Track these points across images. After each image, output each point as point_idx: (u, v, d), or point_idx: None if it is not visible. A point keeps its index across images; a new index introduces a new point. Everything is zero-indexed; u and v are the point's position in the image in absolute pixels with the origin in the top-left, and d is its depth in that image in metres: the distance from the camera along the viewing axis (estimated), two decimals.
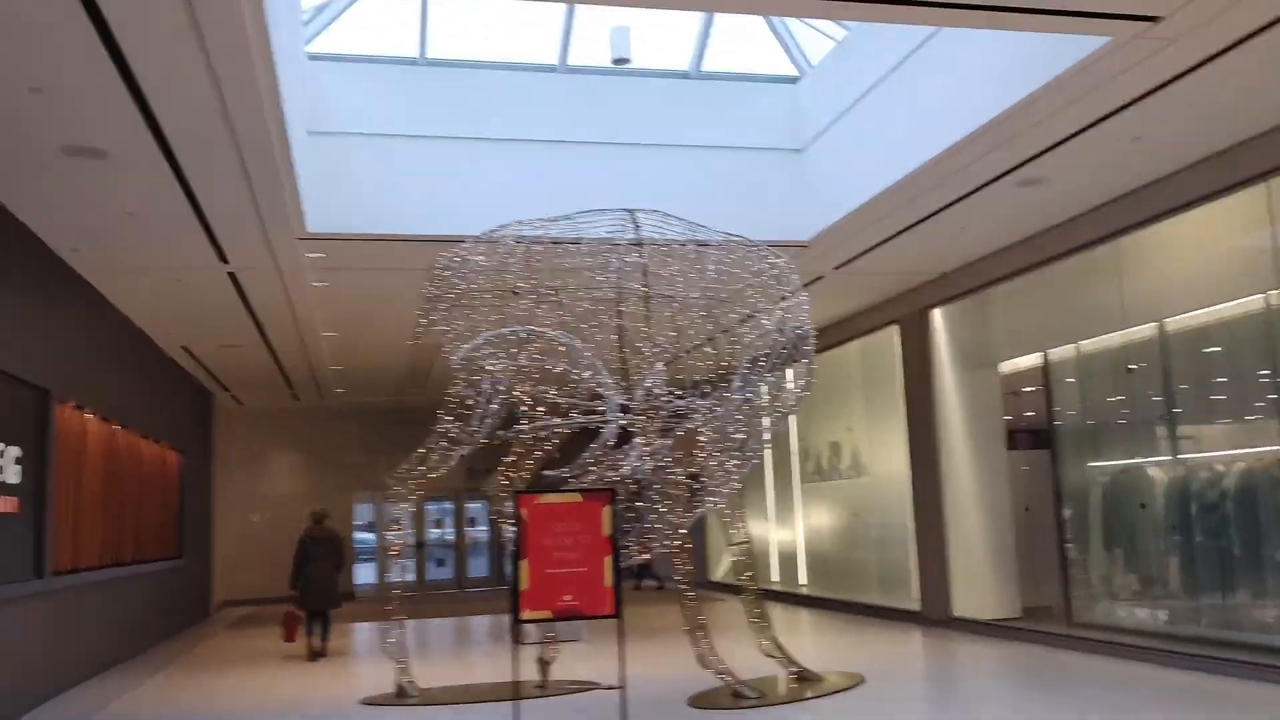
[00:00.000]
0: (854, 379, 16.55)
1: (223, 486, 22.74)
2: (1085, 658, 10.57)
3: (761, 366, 8.55)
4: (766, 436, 8.96)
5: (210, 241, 10.44)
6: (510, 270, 9.14)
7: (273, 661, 12.97)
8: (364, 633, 16.01)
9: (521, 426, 8.10)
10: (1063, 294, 12.09)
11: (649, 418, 7.92)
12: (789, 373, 8.83)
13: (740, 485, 9.14)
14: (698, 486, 8.47)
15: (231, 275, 11.73)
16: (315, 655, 12.88)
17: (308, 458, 24.79)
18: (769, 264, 9.07)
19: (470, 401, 8.94)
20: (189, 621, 18.21)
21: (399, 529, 9.73)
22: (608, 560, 6.32)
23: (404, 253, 11.02)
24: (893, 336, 15.13)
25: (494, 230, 9.25)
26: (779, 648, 9.52)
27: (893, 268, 12.90)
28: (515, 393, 9.19)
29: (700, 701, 8.64)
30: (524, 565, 6.25)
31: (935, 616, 13.59)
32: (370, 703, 9.42)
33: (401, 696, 9.48)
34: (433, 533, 27.36)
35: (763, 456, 9.31)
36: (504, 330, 8.62)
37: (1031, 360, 13.37)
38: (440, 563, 26.99)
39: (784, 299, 8.92)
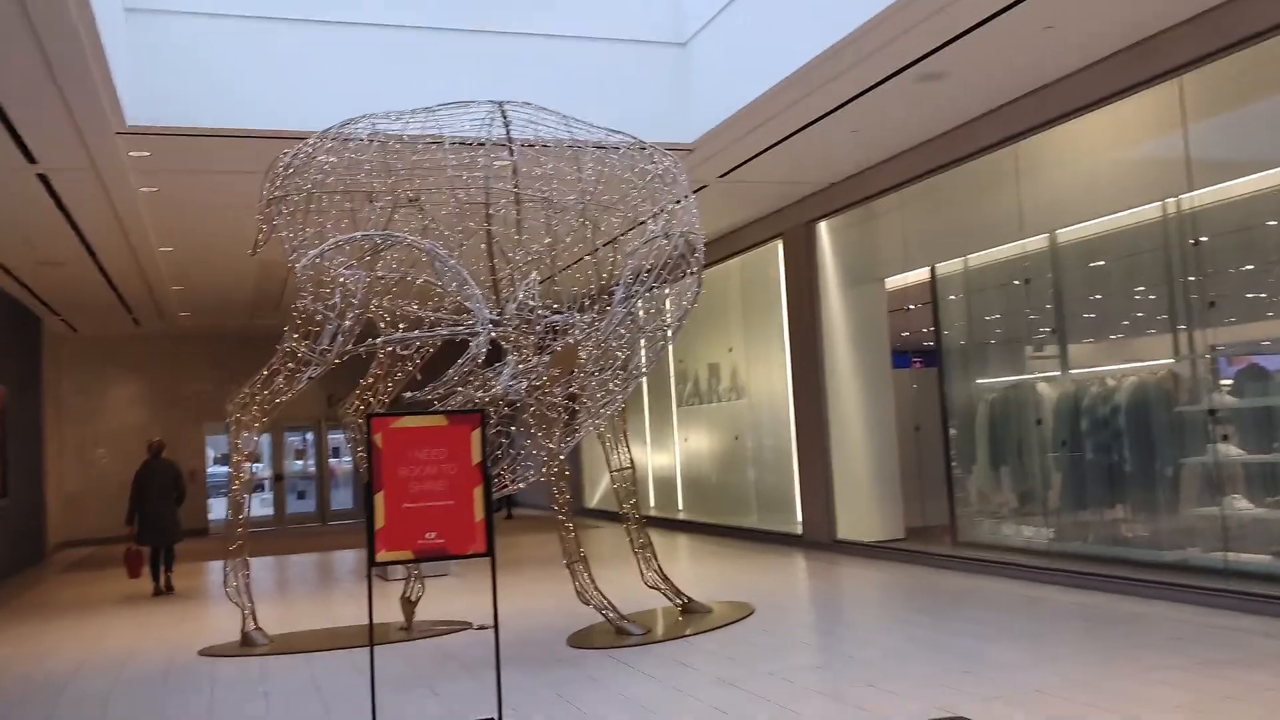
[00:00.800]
0: (734, 298, 15.95)
1: (56, 421, 20.98)
2: (972, 578, 10.29)
3: (647, 278, 7.76)
4: (650, 354, 8.21)
5: (12, 137, 9.04)
6: (363, 170, 8.09)
7: (107, 607, 11.81)
8: (216, 573, 14.85)
9: (377, 341, 7.08)
10: (952, 206, 11.61)
11: (522, 333, 7.06)
12: (675, 285, 8.05)
13: (621, 406, 8.40)
14: (576, 408, 7.67)
15: (42, 178, 10.29)
16: (160, 592, 12.65)
17: (153, 388, 23.13)
18: (654, 164, 8.23)
19: (319, 317, 7.93)
20: (17, 566, 16.70)
21: (241, 460, 8.67)
22: (478, 492, 5.50)
23: (245, 151, 9.78)
24: (776, 252, 14.53)
25: (345, 124, 8.17)
26: (664, 579, 8.89)
27: (780, 176, 12.21)
28: (371, 307, 8.22)
29: (581, 640, 7.95)
30: (379, 499, 5.39)
31: (818, 540, 13.22)
32: (210, 653, 8.45)
33: (248, 645, 8.54)
34: (296, 465, 26.11)
35: (643, 377, 8.57)
36: (356, 235, 7.60)
37: (919, 276, 12.97)
38: (301, 495, 25.78)
39: (673, 203, 8.11)
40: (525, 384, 7.00)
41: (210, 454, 24.57)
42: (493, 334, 6.25)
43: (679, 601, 8.86)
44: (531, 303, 7.44)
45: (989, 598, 9.07)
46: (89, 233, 12.69)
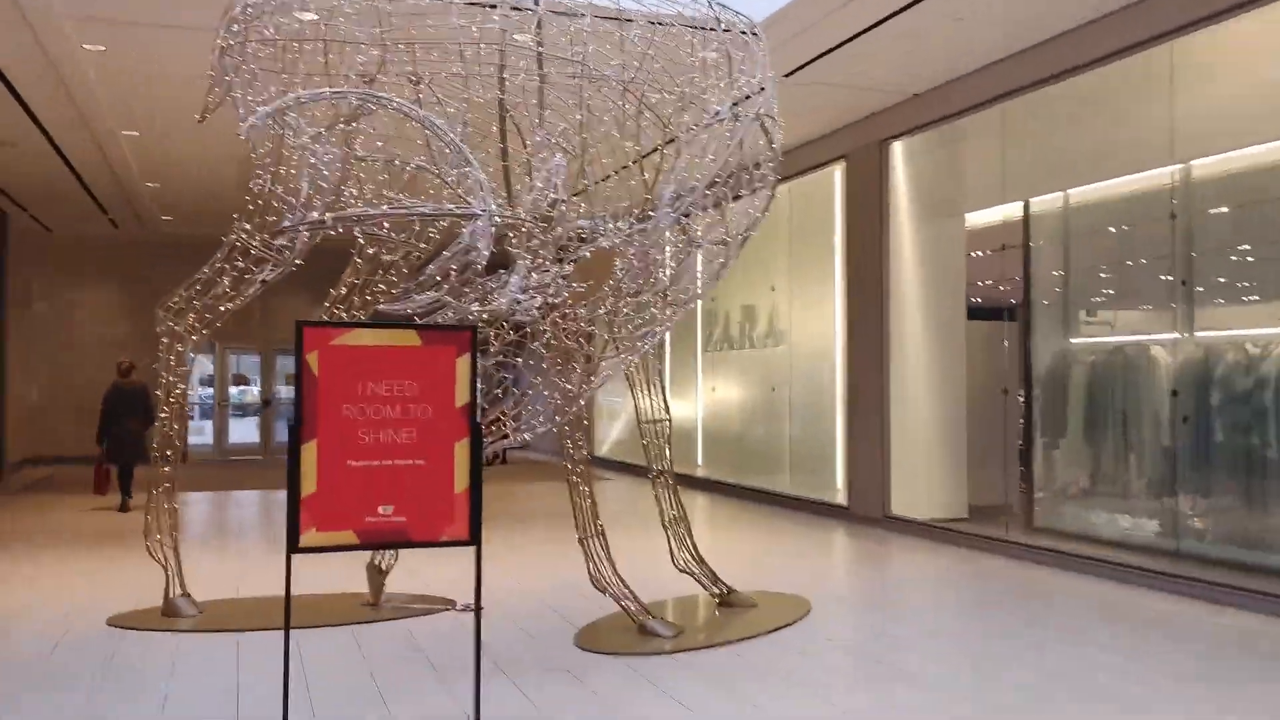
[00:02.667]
0: (780, 230, 13.95)
1: (20, 326, 19.16)
2: (1057, 574, 8.48)
3: (707, 176, 5.83)
4: (705, 274, 6.29)
5: None
6: (344, 17, 6.15)
7: (40, 543, 10.06)
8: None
9: (327, 218, 5.06)
10: (1057, 128, 9.62)
11: (540, 232, 5.13)
12: (741, 184, 6.11)
13: (659, 340, 6.53)
14: (606, 337, 5.77)
15: None
16: (125, 509, 12.68)
17: (130, 297, 21.23)
18: (720, 24, 6.26)
19: (277, 203, 6.06)
20: None
21: (173, 380, 6.82)
22: (462, 448, 3.67)
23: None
24: (833, 178, 12.54)
25: None
26: (700, 562, 7.06)
27: (853, 80, 10.19)
28: (347, 196, 6.30)
29: (591, 640, 6.13)
30: (308, 452, 3.55)
31: (865, 514, 11.38)
32: (118, 624, 6.65)
33: (170, 616, 6.75)
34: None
35: (695, 303, 6.66)
36: (324, 91, 5.67)
37: (1004, 213, 11.00)
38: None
39: (747, 79, 6.16)
40: (539, 300, 5.11)
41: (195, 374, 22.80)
42: (496, 223, 4.33)
43: (716, 591, 7.04)
44: (553, 194, 5.51)
45: (1101, 606, 7.24)
46: (35, 104, 10.76)
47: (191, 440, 21.16)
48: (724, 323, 15.69)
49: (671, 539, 6.97)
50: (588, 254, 5.25)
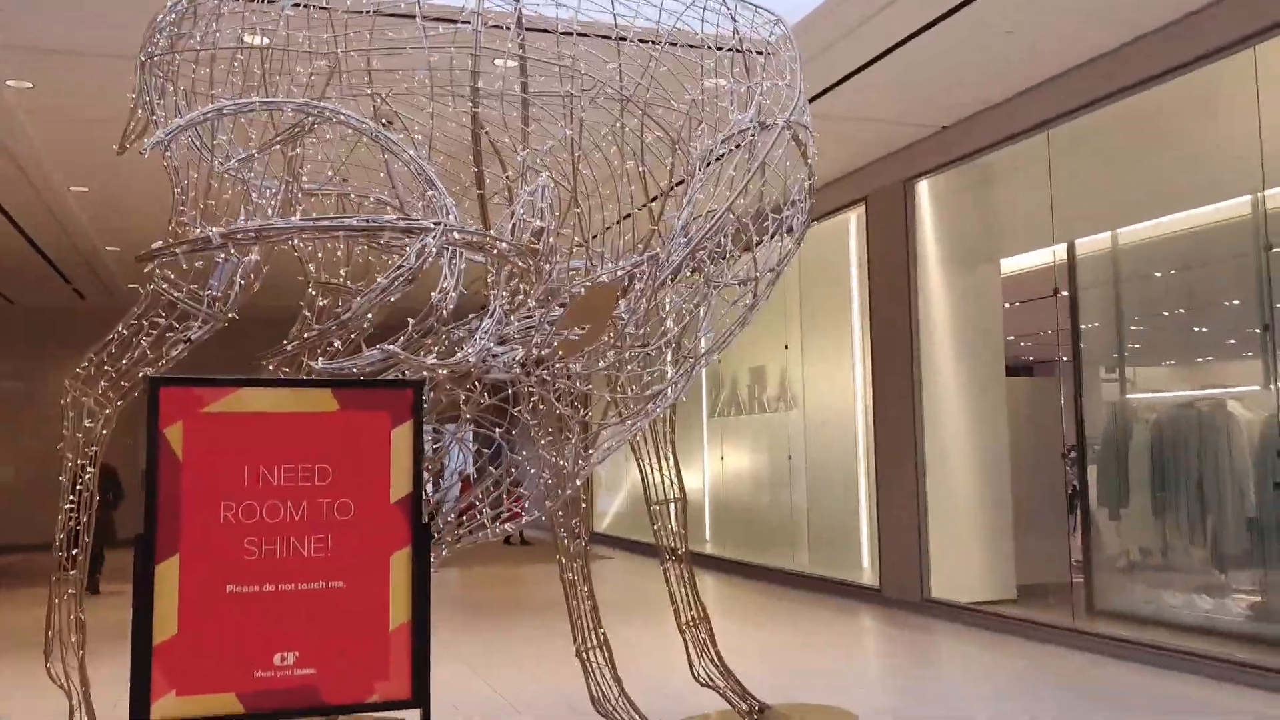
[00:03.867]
0: (787, 284, 12.83)
1: None
2: (1121, 666, 7.24)
3: (726, 198, 4.70)
4: (728, 323, 5.11)
5: None
6: (287, 20, 5.08)
7: None
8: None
9: (210, 233, 3.75)
10: (1108, 157, 8.55)
11: (521, 261, 3.96)
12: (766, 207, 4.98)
13: (672, 402, 5.35)
14: (606, 399, 4.57)
15: None
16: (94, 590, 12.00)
17: None
18: (737, 19, 5.19)
19: (200, 244, 4.90)
20: None
21: (75, 460, 5.60)
22: (401, 561, 2.48)
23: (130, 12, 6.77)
24: (848, 224, 11.47)
25: None
26: (725, 672, 5.80)
27: (876, 111, 9.15)
28: (293, 241, 5.14)
29: None
30: (166, 573, 2.36)
31: (901, 596, 10.09)
32: None
33: None
34: None
35: (715, 356, 5.47)
36: (253, 101, 4.55)
37: (1042, 257, 9.91)
38: None
39: (773, 81, 5.07)
40: (520, 352, 3.94)
41: None
42: (454, 239, 3.15)
43: (746, 708, 5.76)
44: (538, 221, 4.35)
45: (1184, 709, 5.98)
46: None
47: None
48: (732, 385, 14.51)
49: (690, 645, 5.71)
50: (581, 291, 4.10)
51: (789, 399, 12.99)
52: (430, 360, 3.36)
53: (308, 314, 5.94)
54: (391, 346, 3.28)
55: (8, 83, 7.94)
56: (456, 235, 3.05)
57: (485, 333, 3.66)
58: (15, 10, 6.81)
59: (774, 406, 13.33)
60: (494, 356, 4.11)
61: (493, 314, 3.71)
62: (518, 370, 4.03)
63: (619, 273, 4.11)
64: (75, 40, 7.28)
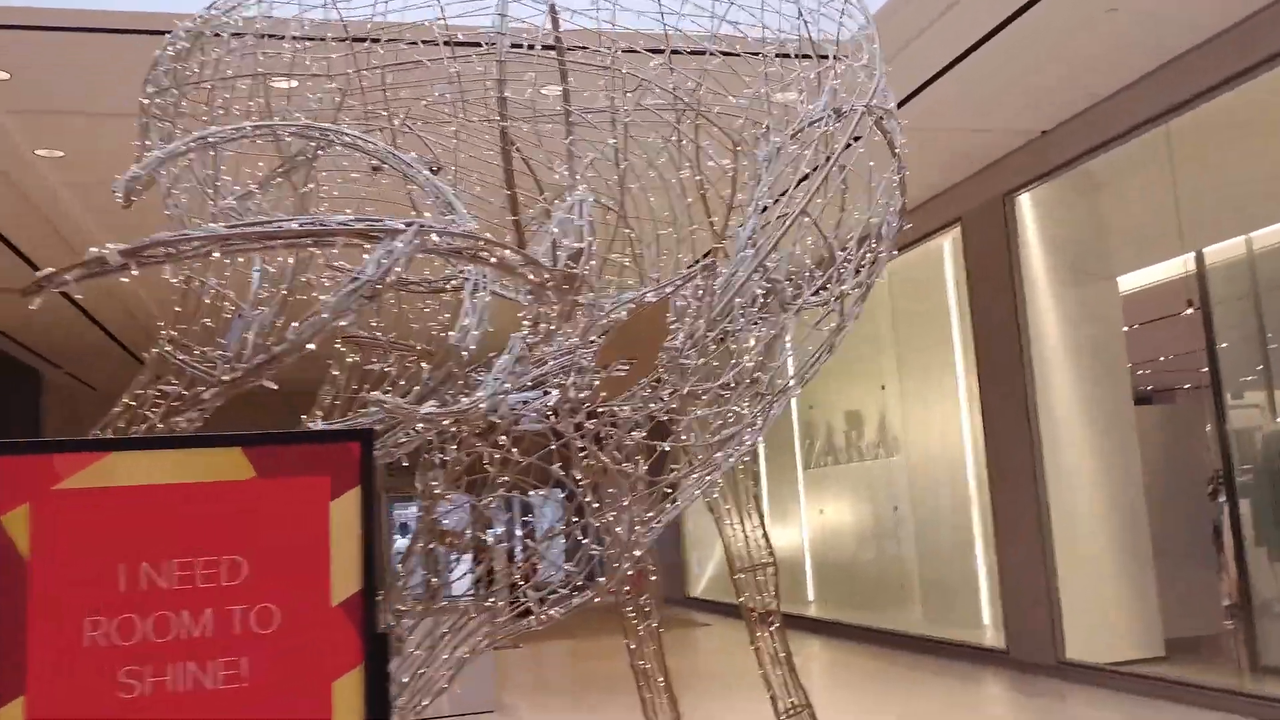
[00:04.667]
0: (881, 318, 11.92)
1: None
2: None
3: (799, 197, 3.90)
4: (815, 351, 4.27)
5: None
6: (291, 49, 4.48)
7: None
8: None
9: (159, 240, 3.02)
10: (1242, 150, 7.55)
11: (554, 286, 3.18)
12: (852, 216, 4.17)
13: (750, 449, 4.53)
14: (667, 451, 3.75)
15: None
16: None
17: None
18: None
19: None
20: None
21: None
22: (348, 689, 1.74)
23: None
24: (943, 249, 10.56)
25: None
26: None
27: (965, 120, 8.29)
28: (306, 285, 4.48)
29: None
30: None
31: (1032, 659, 8.97)
32: None
33: None
34: None
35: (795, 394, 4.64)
36: (246, 126, 3.92)
37: (1161, 272, 8.91)
38: None
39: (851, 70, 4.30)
40: (553, 397, 3.18)
41: None
42: (435, 243, 2.38)
43: None
44: (577, 244, 3.60)
45: None
46: (13, 235, 9.41)
47: None
48: (826, 433, 13.56)
49: None
50: (624, 315, 3.32)
51: (889, 444, 12.01)
52: (428, 409, 2.62)
53: (336, 373, 5.30)
54: (384, 396, 2.55)
55: (36, 152, 7.56)
56: (436, 239, 2.33)
57: (503, 370, 2.90)
58: (36, 77, 6.41)
59: (873, 453, 12.35)
60: (524, 404, 3.36)
61: (511, 349, 2.96)
62: (550, 417, 3.26)
63: (668, 289, 3.33)
64: (97, 102, 6.86)
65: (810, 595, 13.96)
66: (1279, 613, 7.78)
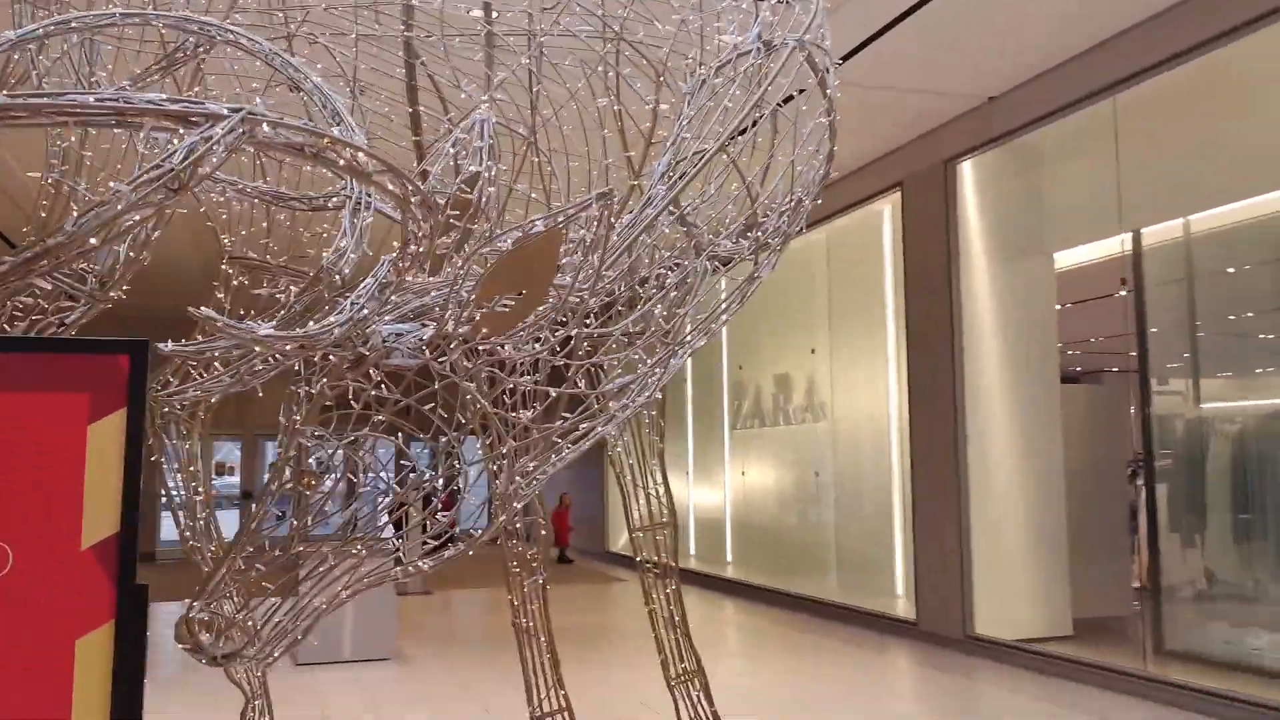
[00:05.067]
0: (814, 282, 11.74)
1: None
2: None
3: (718, 132, 3.61)
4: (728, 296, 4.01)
5: None
6: None
7: None
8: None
9: None
10: (1184, 131, 7.40)
11: (421, 203, 2.84)
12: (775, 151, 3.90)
13: (650, 400, 4.30)
14: (551, 394, 3.47)
15: None
16: None
17: None
18: None
19: (46, 200, 3.89)
20: None
21: None
22: (94, 646, 1.46)
23: None
24: (881, 214, 10.36)
25: None
26: None
27: (908, 82, 8.04)
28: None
29: None
30: None
31: (941, 632, 8.91)
32: None
33: None
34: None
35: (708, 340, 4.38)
36: (115, 13, 3.50)
37: (1097, 251, 8.80)
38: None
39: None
40: (429, 331, 2.88)
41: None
42: (267, 134, 2.08)
43: None
44: (474, 166, 3.28)
45: None
46: None
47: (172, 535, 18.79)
48: (755, 395, 13.39)
49: (681, 704, 4.61)
50: (509, 244, 3.01)
51: (816, 409, 11.87)
52: (266, 331, 2.31)
53: (221, 295, 4.94)
54: (213, 313, 2.23)
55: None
56: (267, 129, 2.01)
57: (365, 294, 2.59)
58: None
59: (800, 418, 12.21)
60: (398, 336, 3.07)
61: (377, 272, 2.66)
62: (423, 350, 2.96)
63: (559, 219, 3.03)
64: None
65: (729, 557, 13.86)
66: (1186, 598, 7.77)
